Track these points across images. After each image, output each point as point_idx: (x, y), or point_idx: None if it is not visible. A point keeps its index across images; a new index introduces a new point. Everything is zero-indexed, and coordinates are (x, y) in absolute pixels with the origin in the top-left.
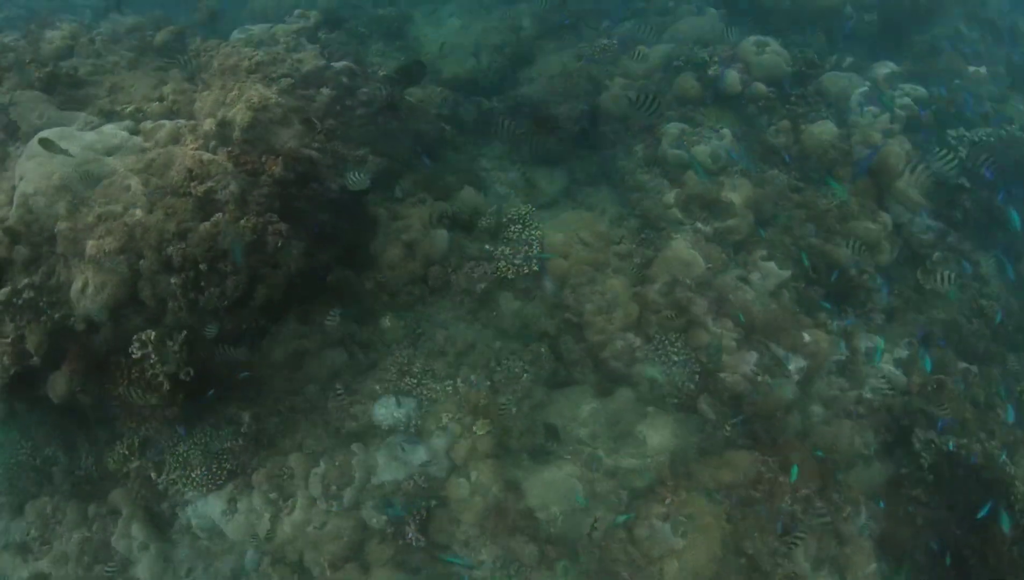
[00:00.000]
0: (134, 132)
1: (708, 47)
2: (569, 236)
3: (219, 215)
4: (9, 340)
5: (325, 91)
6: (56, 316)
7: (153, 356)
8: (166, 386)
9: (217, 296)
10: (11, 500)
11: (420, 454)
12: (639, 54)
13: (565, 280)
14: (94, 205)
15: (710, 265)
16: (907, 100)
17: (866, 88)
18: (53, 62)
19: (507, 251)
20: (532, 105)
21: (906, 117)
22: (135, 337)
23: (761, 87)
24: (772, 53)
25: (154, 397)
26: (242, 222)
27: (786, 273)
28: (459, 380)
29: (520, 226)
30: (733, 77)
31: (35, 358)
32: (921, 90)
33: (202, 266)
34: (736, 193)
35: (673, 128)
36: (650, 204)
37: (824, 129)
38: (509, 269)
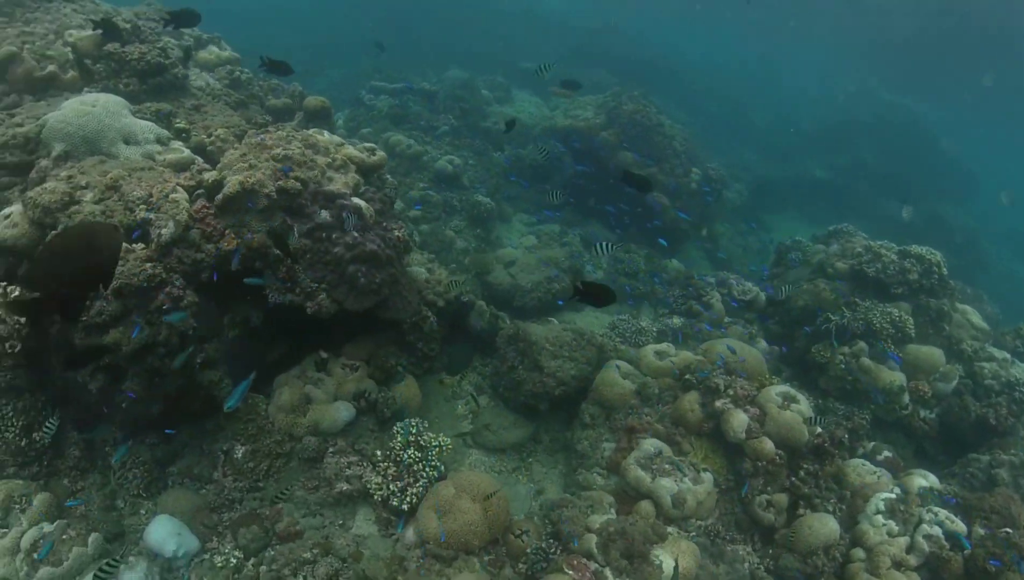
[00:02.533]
0: (162, 142)
1: (731, 377)
2: (462, 498)
3: (136, 246)
4: None
5: (324, 213)
6: None
7: None
8: None
9: (91, 310)
10: None
11: None
12: (659, 353)
13: (427, 541)
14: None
15: None
16: (937, 530)
17: (893, 495)
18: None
19: (391, 470)
20: (533, 352)
21: (928, 552)
22: None
23: (768, 445)
24: (796, 412)
25: None
26: (147, 266)
27: None
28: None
29: (421, 455)
30: (740, 422)
31: None
32: (960, 525)
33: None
34: (674, 557)
35: (651, 444)
36: (573, 514)
37: (824, 525)
38: (379, 490)
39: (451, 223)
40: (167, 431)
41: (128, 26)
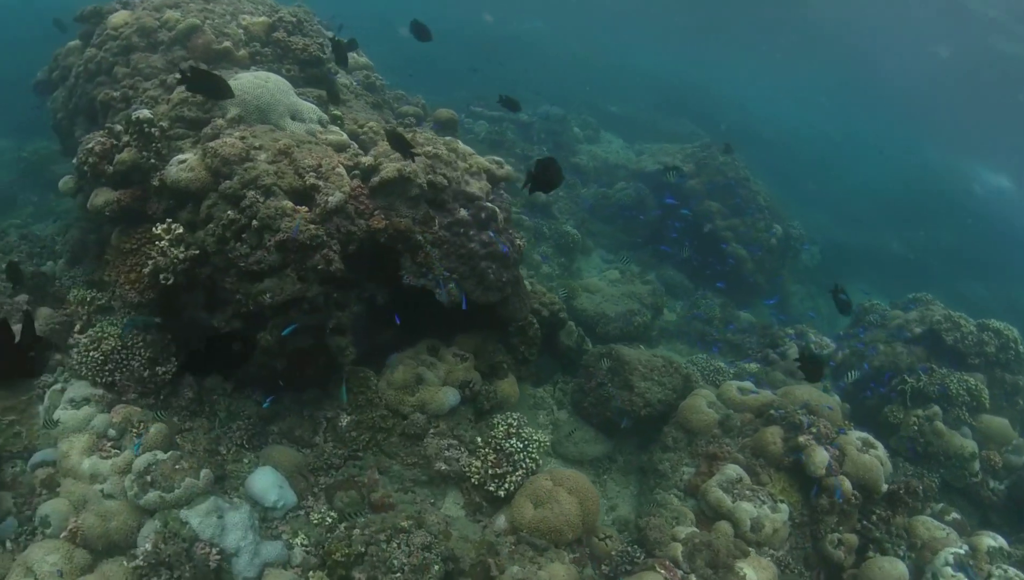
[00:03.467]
0: (322, 124)
1: (813, 416)
2: (559, 491)
3: (303, 208)
4: None
5: (463, 211)
6: None
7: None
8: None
9: (249, 257)
10: None
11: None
12: (742, 389)
13: (519, 529)
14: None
15: None
16: None
17: (962, 551)
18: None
19: (491, 457)
20: (626, 371)
21: None
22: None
23: (846, 484)
24: (874, 457)
25: None
26: (312, 226)
27: None
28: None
29: (522, 446)
30: (822, 458)
31: None
32: None
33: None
34: (757, 572)
35: (732, 470)
36: (659, 523)
37: (894, 568)
38: (477, 474)
39: (539, 248)
40: (263, 402)
41: (294, 19)
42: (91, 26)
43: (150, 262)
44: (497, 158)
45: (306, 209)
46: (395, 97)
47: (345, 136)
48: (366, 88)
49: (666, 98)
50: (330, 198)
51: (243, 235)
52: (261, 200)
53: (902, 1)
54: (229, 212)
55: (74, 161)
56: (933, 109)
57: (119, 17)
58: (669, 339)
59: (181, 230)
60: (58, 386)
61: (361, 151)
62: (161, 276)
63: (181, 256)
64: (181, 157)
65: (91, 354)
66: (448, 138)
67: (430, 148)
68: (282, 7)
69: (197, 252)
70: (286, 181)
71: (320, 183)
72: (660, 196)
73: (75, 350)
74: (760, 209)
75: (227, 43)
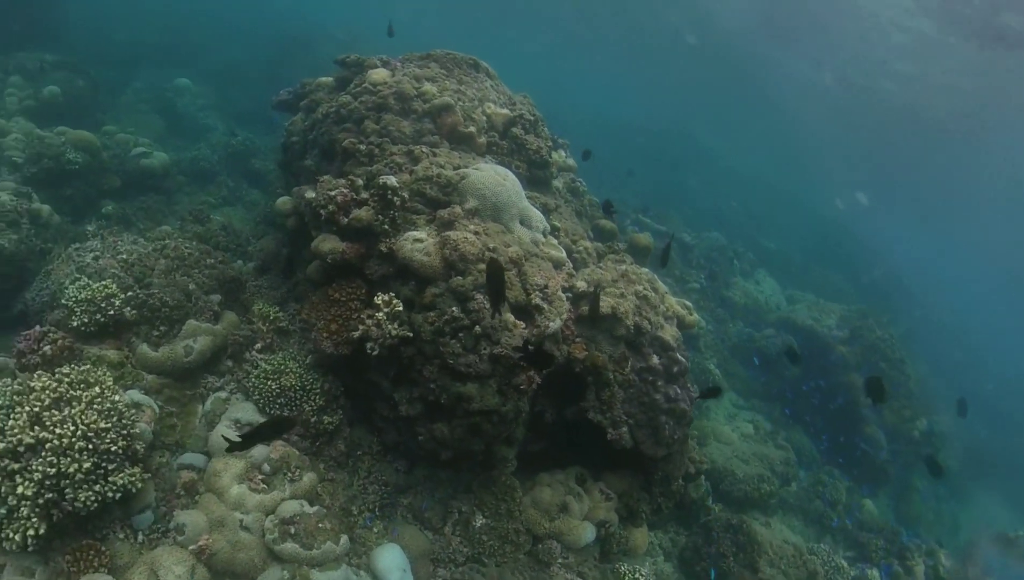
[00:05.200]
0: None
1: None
2: None
3: (521, 324)
4: None
5: (656, 359)
6: None
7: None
8: None
9: (459, 358)
10: None
11: None
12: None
13: None
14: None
15: None
16: None
17: None
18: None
19: None
20: (754, 552)
21: None
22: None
23: None
24: None
25: None
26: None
27: None
28: None
29: None
30: None
31: None
32: None
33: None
34: None
35: None
36: None
37: None
38: None
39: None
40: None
41: (531, 118)
42: (347, 72)
43: (361, 328)
44: (687, 303)
45: (524, 326)
46: (591, 204)
47: (563, 253)
48: (570, 191)
49: (823, 240)
50: (550, 324)
51: (460, 334)
52: (487, 306)
53: None
54: (454, 308)
55: (310, 195)
56: None
57: (379, 75)
58: (787, 511)
59: (401, 308)
60: (223, 394)
61: (574, 271)
62: (369, 345)
63: (394, 333)
64: (417, 235)
65: (268, 383)
66: (647, 272)
67: (640, 287)
68: (518, 96)
69: (411, 335)
70: (513, 293)
71: (544, 305)
72: (807, 353)
73: (251, 369)
74: (909, 396)
75: (472, 128)
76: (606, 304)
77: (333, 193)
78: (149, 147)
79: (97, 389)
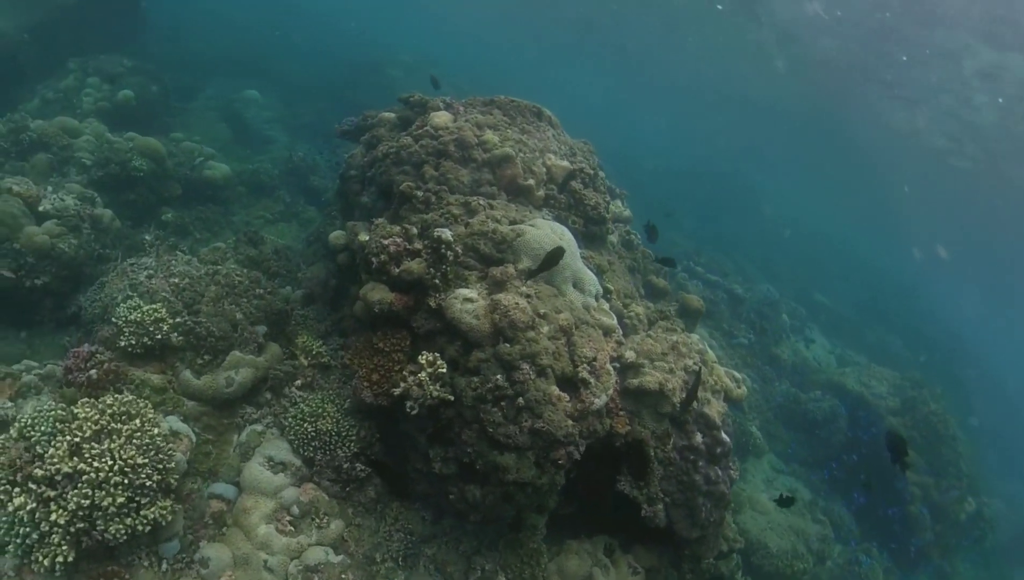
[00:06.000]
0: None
1: None
2: None
3: (565, 397)
4: None
5: (699, 437)
6: None
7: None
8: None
9: (499, 427)
10: None
11: None
12: None
13: None
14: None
15: None
16: None
17: None
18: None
19: None
20: None
21: None
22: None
23: None
24: None
25: None
26: (569, 422)
27: None
28: None
29: None
30: None
31: None
32: None
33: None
34: None
35: None
36: None
37: None
38: None
39: None
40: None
41: (591, 173)
42: (410, 111)
43: (402, 385)
44: (736, 374)
45: (568, 398)
46: (644, 256)
47: (614, 319)
48: (624, 244)
49: (873, 299)
50: (596, 400)
51: (502, 403)
52: (532, 377)
53: None
54: (499, 377)
55: (363, 238)
56: None
57: (441, 119)
58: None
59: (444, 370)
60: (259, 427)
61: (623, 338)
62: (408, 404)
63: (435, 394)
64: (467, 294)
65: (304, 425)
66: (698, 340)
67: (690, 361)
68: (578, 143)
69: (452, 399)
70: (560, 365)
71: (591, 380)
72: (856, 421)
73: (289, 406)
74: (959, 475)
75: (531, 180)
76: (653, 379)
77: (386, 242)
78: (213, 157)
79: (137, 422)
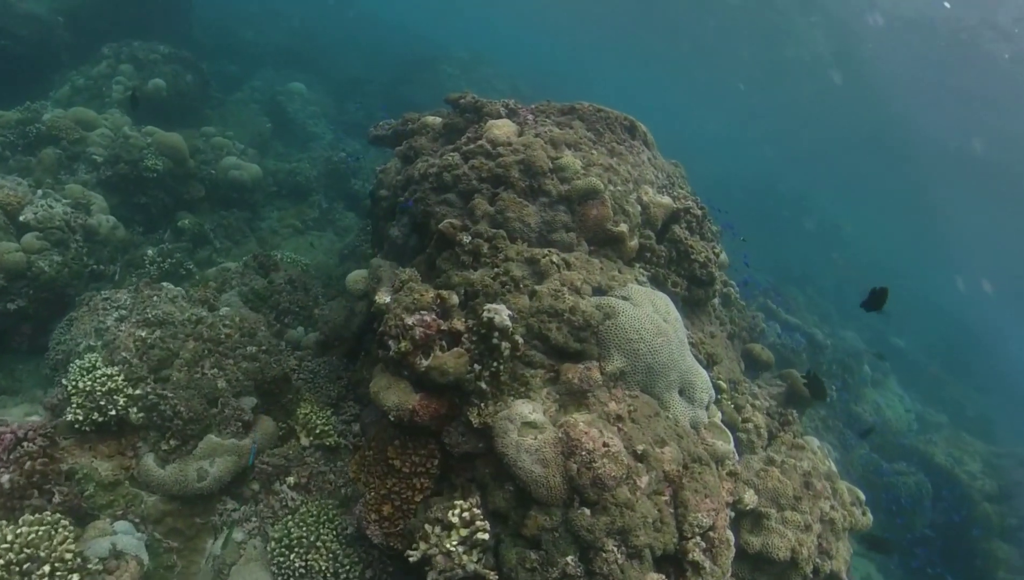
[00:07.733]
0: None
1: None
2: None
3: None
4: None
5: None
6: None
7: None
8: None
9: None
10: None
11: None
12: None
13: None
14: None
15: None
16: None
17: None
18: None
19: None
20: None
21: None
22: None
23: None
24: None
25: None
26: None
27: None
28: None
29: None
30: None
31: None
32: None
33: None
34: None
35: None
36: None
37: None
38: None
39: None
40: None
41: (700, 212)
42: (459, 117)
43: (422, 546)
44: (860, 494)
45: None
46: (740, 312)
47: (731, 441)
48: (722, 302)
49: (950, 344)
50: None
51: None
52: (620, 562)
53: None
54: (569, 559)
55: (382, 299)
56: None
57: (502, 130)
58: None
59: (486, 535)
60: (239, 535)
61: (737, 465)
62: (431, 576)
63: (470, 568)
64: (528, 415)
65: (292, 558)
66: (820, 452)
67: (825, 504)
68: (668, 165)
69: (494, 578)
70: (663, 540)
71: (705, 562)
72: (941, 498)
73: (279, 519)
74: None
75: (623, 225)
76: (784, 544)
77: (410, 321)
78: (244, 155)
79: (47, 568)
